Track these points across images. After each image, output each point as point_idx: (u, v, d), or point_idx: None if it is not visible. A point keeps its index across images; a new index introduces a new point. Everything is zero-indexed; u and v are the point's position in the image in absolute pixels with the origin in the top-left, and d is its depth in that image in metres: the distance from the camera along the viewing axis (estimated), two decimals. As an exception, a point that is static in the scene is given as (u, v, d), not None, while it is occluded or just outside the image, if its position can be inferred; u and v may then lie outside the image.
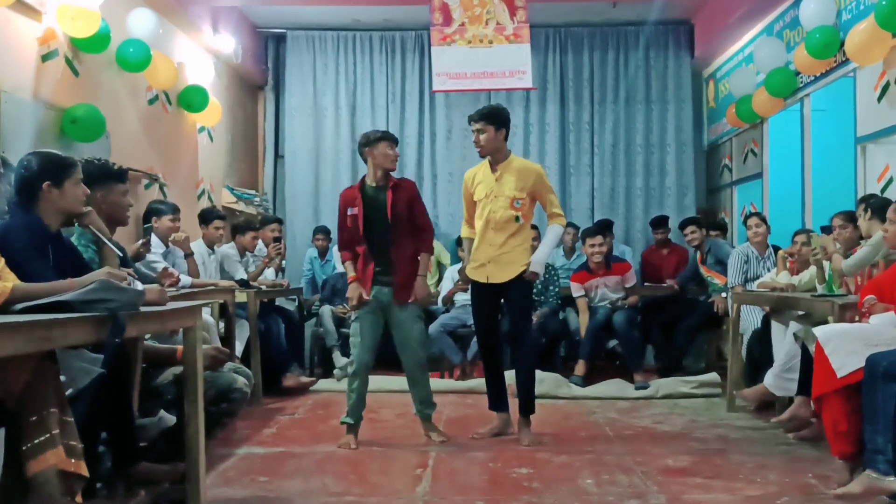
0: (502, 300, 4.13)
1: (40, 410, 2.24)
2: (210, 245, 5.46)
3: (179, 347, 3.06)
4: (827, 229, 4.19)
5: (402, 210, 3.92)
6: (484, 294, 4.09)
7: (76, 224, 2.94)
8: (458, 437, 4.10)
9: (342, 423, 4.00)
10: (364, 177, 4.05)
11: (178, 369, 3.05)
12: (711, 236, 6.41)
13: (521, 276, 3.99)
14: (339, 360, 5.98)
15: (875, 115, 4.73)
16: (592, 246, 5.82)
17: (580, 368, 5.60)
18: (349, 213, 3.97)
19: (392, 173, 4.02)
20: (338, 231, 4.15)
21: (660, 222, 6.90)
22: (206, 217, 5.57)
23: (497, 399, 4.21)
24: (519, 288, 4.03)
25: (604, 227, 6.23)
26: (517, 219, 3.98)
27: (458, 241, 6.29)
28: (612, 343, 6.00)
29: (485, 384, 4.28)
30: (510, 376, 5.36)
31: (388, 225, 3.91)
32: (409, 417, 4.10)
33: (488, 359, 4.22)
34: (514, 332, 4.14)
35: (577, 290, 5.92)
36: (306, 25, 7.59)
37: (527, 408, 4.06)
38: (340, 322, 6.16)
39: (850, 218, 4.26)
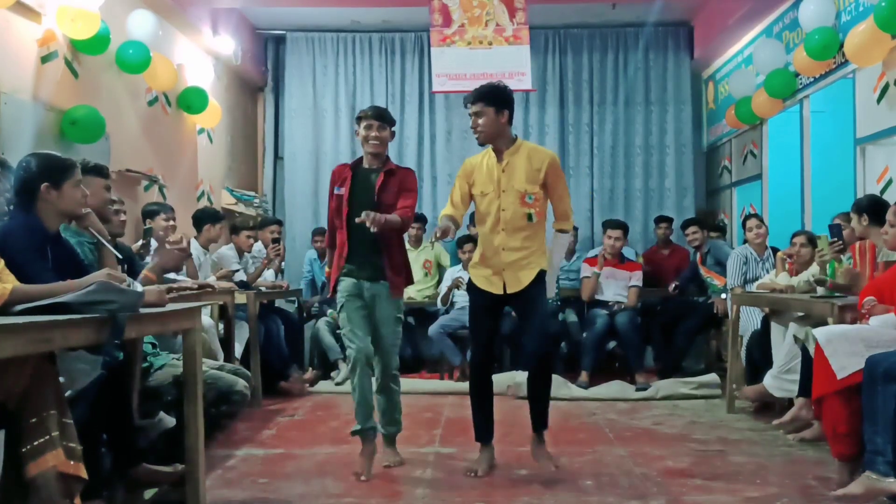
0: (509, 308, 3.62)
1: (40, 412, 2.24)
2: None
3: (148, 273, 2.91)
4: (835, 228, 4.13)
5: (389, 196, 3.53)
6: (491, 306, 3.52)
7: (72, 224, 2.94)
8: (457, 439, 4.09)
9: (352, 434, 3.57)
10: (362, 156, 3.68)
11: (178, 371, 3.05)
12: (711, 237, 6.42)
13: (538, 277, 3.44)
14: (343, 370, 5.67)
15: (874, 116, 4.73)
16: (610, 238, 5.98)
17: (583, 377, 5.62)
18: (336, 192, 3.59)
19: (384, 157, 3.63)
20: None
21: (664, 218, 6.97)
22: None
23: (488, 428, 3.56)
24: (536, 288, 3.45)
25: (623, 225, 6.22)
26: (530, 217, 3.41)
27: (459, 244, 6.30)
28: (612, 344, 6.01)
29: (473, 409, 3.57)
30: (510, 377, 5.39)
31: (373, 210, 3.36)
32: (408, 418, 4.09)
33: (484, 381, 3.56)
34: (535, 340, 3.42)
35: (586, 270, 6.06)
36: (306, 27, 7.60)
37: (543, 423, 3.52)
38: (338, 327, 6.08)
39: (850, 219, 4.25)
